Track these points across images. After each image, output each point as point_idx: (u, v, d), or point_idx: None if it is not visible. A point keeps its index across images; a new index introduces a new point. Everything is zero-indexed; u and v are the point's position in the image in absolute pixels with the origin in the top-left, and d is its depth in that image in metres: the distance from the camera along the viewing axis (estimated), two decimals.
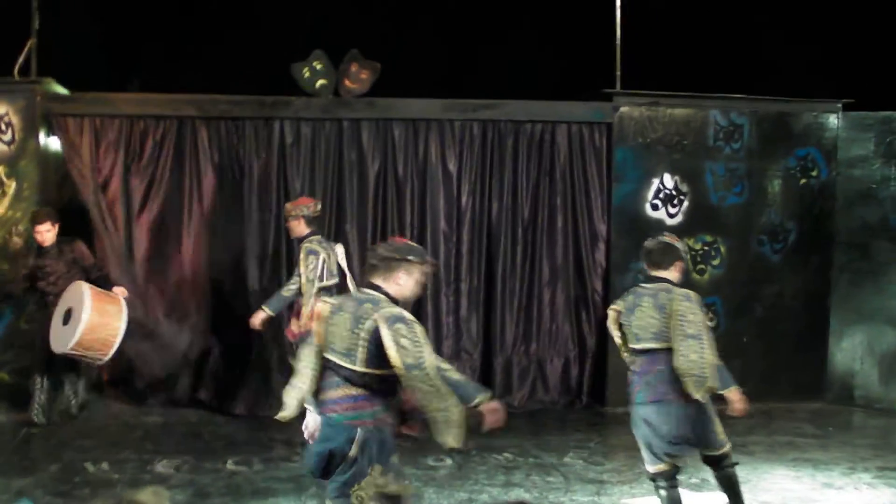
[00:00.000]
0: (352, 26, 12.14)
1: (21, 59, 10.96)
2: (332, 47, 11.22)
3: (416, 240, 11.16)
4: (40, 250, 10.24)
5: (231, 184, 11.17)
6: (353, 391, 5.25)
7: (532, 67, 12.58)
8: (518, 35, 13.07)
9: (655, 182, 11.51)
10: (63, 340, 9.70)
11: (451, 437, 5.16)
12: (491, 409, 5.48)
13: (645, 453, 7.01)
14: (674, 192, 11.51)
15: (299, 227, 9.80)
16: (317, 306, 5.56)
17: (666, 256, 6.94)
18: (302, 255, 9.59)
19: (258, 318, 9.81)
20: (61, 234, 10.31)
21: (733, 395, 7.03)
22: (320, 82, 11.15)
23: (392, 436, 5.38)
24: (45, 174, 10.93)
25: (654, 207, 11.48)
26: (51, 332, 9.92)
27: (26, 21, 10.99)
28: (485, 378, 11.34)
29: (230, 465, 9.13)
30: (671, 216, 11.49)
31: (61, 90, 11.29)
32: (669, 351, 6.67)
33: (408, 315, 5.22)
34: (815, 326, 11.89)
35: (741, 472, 8.94)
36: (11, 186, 10.76)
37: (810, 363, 11.85)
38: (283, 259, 11.15)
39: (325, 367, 5.40)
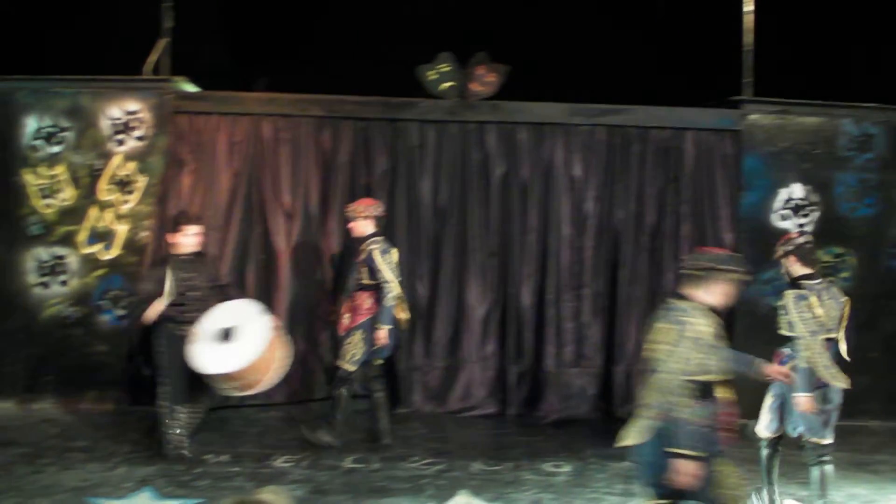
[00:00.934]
0: (479, 28, 12.11)
1: (153, 58, 11.19)
2: (458, 49, 11.22)
3: (539, 244, 11.17)
4: (180, 260, 9.16)
5: (358, 184, 11.22)
6: None
7: (660, 74, 12.43)
8: (646, 39, 12.91)
9: (784, 192, 11.29)
10: (214, 360, 8.65)
11: None
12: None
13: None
14: (803, 203, 11.28)
15: (367, 227, 9.77)
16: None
17: None
18: (379, 256, 9.55)
19: (381, 335, 9.57)
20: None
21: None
22: (446, 84, 11.16)
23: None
24: (173, 171, 11.10)
25: (783, 217, 11.26)
26: (193, 345, 8.77)
27: (158, 21, 11.20)
28: (605, 386, 11.25)
29: (348, 463, 9.18)
30: (800, 227, 11.26)
31: (192, 88, 11.48)
32: None
33: None
34: None
35: (867, 492, 8.79)
36: (142, 182, 10.96)
37: None
38: (410, 252, 11.22)
39: None
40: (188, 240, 9.15)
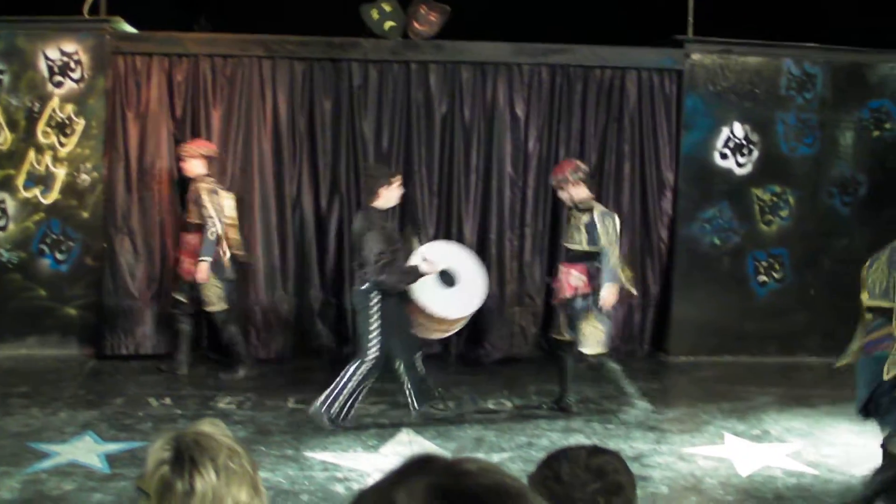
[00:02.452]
0: None
1: None
2: None
3: (481, 184, 11.17)
4: (384, 214, 8.92)
5: (299, 125, 11.14)
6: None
7: (602, 12, 12.41)
8: None
9: (725, 131, 11.35)
10: (449, 305, 8.77)
11: None
12: None
13: None
14: (744, 142, 11.35)
15: (198, 167, 10.04)
16: None
17: None
18: (206, 197, 9.85)
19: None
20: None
21: None
22: (389, 24, 11.08)
23: None
24: (114, 113, 10.97)
25: (723, 157, 11.32)
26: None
27: None
28: (546, 324, 11.32)
29: (291, 404, 9.21)
30: (740, 166, 11.35)
31: (130, 29, 11.32)
32: None
33: None
34: None
35: (804, 425, 8.94)
36: (80, 125, 10.82)
37: None
38: (345, 197, 11.15)
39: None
40: (395, 193, 8.80)
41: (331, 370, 9.18)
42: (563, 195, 9.09)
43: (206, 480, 2.50)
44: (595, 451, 2.95)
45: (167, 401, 9.21)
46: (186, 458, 2.52)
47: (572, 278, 8.99)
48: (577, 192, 8.95)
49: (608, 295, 8.82)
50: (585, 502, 2.80)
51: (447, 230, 11.23)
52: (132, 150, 10.93)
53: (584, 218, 8.90)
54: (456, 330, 9.38)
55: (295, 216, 11.12)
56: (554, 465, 2.88)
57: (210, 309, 10.04)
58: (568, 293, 9.03)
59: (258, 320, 11.03)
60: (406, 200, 10.94)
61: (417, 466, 1.43)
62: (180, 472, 2.51)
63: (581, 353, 8.99)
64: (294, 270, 11.11)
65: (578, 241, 8.95)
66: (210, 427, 2.68)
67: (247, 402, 9.21)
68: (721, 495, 7.28)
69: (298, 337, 11.10)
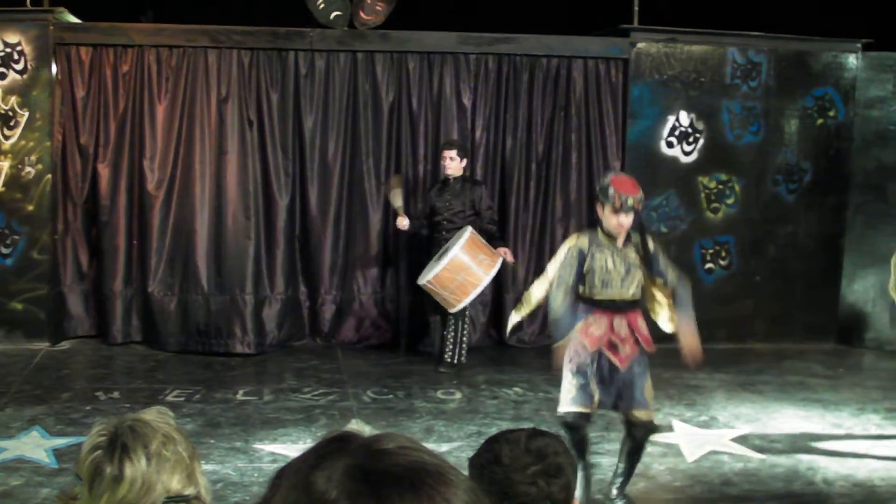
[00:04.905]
0: None
1: None
2: None
3: (429, 174, 11.17)
4: (444, 183, 10.30)
5: (245, 115, 11.08)
6: None
7: (549, 1, 12.45)
8: None
9: (671, 119, 11.42)
10: (426, 274, 9.67)
11: None
12: None
13: None
14: (689, 130, 11.43)
15: None
16: None
17: None
18: None
19: None
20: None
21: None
22: (335, 13, 11.03)
23: None
24: (58, 105, 10.86)
25: (669, 145, 11.40)
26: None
27: None
28: (496, 313, 11.35)
29: (240, 396, 9.19)
30: (686, 154, 11.43)
31: (74, 20, 11.21)
32: None
33: None
34: (829, 267, 11.83)
35: (751, 410, 9.03)
36: (24, 116, 10.71)
37: (823, 304, 11.80)
38: (293, 188, 11.12)
39: None
40: (445, 163, 10.25)
41: (277, 362, 9.19)
42: (627, 220, 6.55)
43: (136, 466, 2.51)
44: (535, 433, 2.97)
45: (115, 394, 9.15)
46: (119, 443, 2.53)
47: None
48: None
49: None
50: (525, 484, 2.82)
51: (395, 220, 11.21)
52: (77, 141, 10.84)
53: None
54: (445, 299, 9.62)
55: (242, 208, 11.07)
56: (494, 448, 2.90)
57: None
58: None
59: (207, 314, 10.98)
60: (353, 191, 10.96)
61: (335, 447, 1.43)
62: (111, 457, 2.52)
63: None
64: (244, 263, 11.05)
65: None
66: (152, 415, 2.69)
67: (196, 395, 9.17)
68: (669, 481, 7.35)
69: (247, 330, 11.05)
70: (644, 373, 6.56)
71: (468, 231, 9.63)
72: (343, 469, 1.37)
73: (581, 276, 6.56)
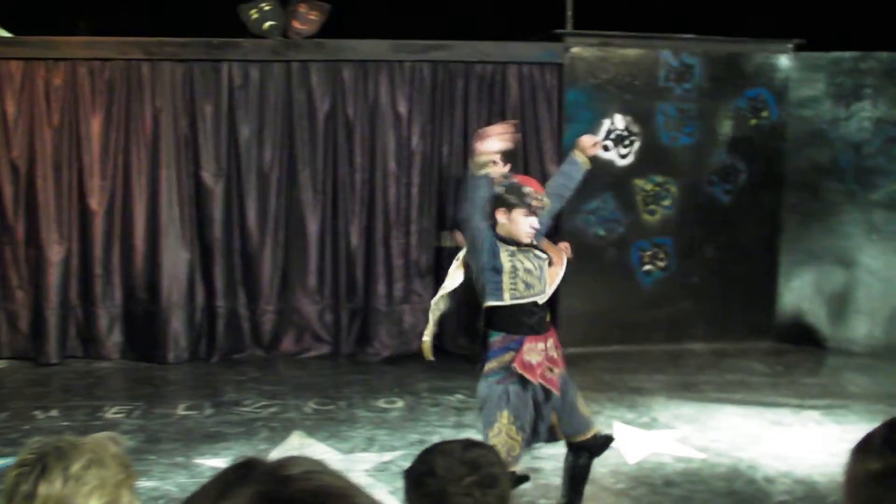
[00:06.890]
0: None
1: None
2: None
3: (365, 182, 11.15)
4: None
5: (180, 128, 11.00)
6: None
7: (482, 8, 12.48)
8: None
9: (606, 123, 11.47)
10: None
11: None
12: None
13: None
14: (625, 133, 11.49)
15: None
16: None
17: None
18: None
19: None
20: None
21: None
22: (268, 24, 10.99)
23: None
24: None
25: (605, 149, 11.43)
26: None
27: None
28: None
29: (181, 411, 9.12)
30: (622, 157, 11.49)
31: (5, 33, 11.08)
32: None
33: None
34: (766, 267, 11.93)
35: (692, 411, 9.09)
36: None
37: (760, 303, 11.89)
38: (234, 198, 11.07)
39: None
40: None
41: (218, 375, 9.11)
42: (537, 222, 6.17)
43: (51, 486, 2.56)
44: (469, 444, 2.97)
45: (53, 412, 9.04)
46: (39, 463, 2.57)
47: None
48: None
49: None
50: (461, 496, 2.82)
51: (333, 229, 11.20)
52: (10, 157, 10.72)
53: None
54: None
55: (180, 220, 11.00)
56: (428, 460, 2.90)
57: None
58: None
59: (147, 326, 10.90)
60: (291, 201, 10.92)
61: (240, 475, 1.42)
62: (28, 475, 2.56)
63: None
64: (182, 276, 10.98)
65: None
66: (96, 438, 2.73)
67: (136, 411, 9.09)
68: (612, 483, 7.37)
69: (187, 342, 10.98)
70: (573, 388, 6.24)
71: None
72: (249, 497, 1.37)
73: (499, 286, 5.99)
